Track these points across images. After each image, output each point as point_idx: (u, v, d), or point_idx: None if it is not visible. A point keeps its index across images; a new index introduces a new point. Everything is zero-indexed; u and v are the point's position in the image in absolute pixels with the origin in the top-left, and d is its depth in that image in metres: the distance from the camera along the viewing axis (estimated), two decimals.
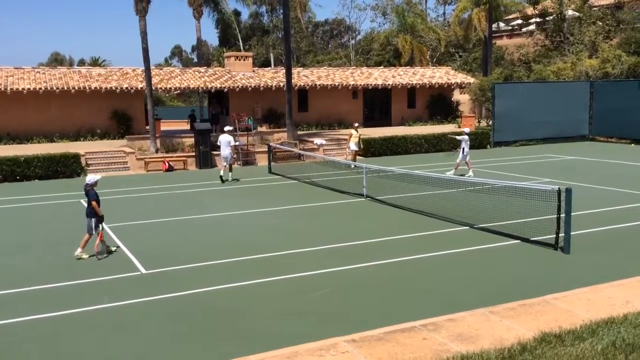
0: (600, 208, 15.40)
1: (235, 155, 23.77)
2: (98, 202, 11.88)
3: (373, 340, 7.42)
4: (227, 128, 23.08)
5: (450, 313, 8.29)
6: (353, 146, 24.61)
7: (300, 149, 27.02)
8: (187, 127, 36.11)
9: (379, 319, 8.25)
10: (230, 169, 21.92)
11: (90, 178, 12.16)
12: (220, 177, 21.57)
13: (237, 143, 24.99)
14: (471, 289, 9.55)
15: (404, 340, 7.42)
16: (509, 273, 10.41)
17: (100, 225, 11.96)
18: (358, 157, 25.17)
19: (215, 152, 25.89)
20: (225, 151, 21.66)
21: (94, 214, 11.84)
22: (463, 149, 21.25)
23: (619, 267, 10.48)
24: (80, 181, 22.63)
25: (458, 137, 21.88)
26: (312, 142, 28.41)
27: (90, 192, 11.90)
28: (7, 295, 9.77)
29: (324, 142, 28.47)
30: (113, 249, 12.28)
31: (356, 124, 25.94)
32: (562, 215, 11.28)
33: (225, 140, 21.75)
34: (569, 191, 11.10)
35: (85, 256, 11.78)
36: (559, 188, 11.47)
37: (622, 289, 9.18)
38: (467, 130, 22.28)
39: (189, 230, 14.20)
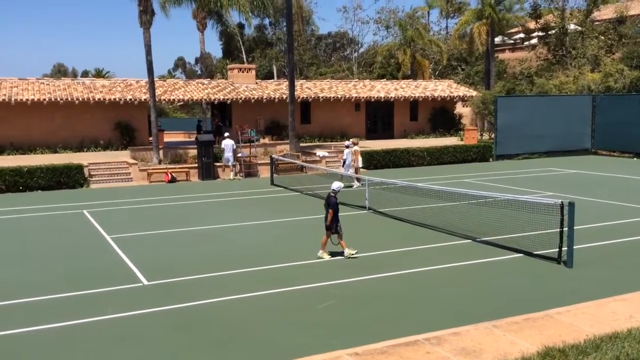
0: (603, 222, 15.38)
1: (237, 159, 25.97)
2: (336, 211, 11.92)
3: (376, 354, 7.40)
4: (227, 134, 26.45)
5: (453, 327, 8.27)
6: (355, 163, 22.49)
7: (302, 161, 27.07)
8: (193, 138, 36.13)
9: (382, 332, 8.22)
10: (235, 168, 25.62)
11: (337, 185, 12.30)
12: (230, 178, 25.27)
13: (240, 154, 26.15)
14: (475, 303, 9.52)
15: (407, 354, 7.39)
16: (512, 287, 10.38)
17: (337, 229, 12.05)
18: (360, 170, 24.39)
19: (217, 164, 26.01)
20: (228, 154, 25.22)
21: (334, 218, 11.93)
22: (344, 160, 22.32)
23: (623, 281, 10.46)
24: (82, 192, 22.69)
25: (346, 150, 22.59)
26: (315, 154, 28.46)
27: (331, 200, 11.97)
28: (10, 306, 9.76)
29: (326, 154, 28.56)
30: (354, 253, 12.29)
31: (353, 139, 23.71)
32: (565, 229, 11.27)
33: (229, 144, 25.31)
34: (571, 205, 11.09)
35: (326, 257, 12.14)
36: (561, 202, 11.45)
37: (626, 304, 9.16)
38: (347, 143, 22.99)
39: (191, 242, 14.19)
